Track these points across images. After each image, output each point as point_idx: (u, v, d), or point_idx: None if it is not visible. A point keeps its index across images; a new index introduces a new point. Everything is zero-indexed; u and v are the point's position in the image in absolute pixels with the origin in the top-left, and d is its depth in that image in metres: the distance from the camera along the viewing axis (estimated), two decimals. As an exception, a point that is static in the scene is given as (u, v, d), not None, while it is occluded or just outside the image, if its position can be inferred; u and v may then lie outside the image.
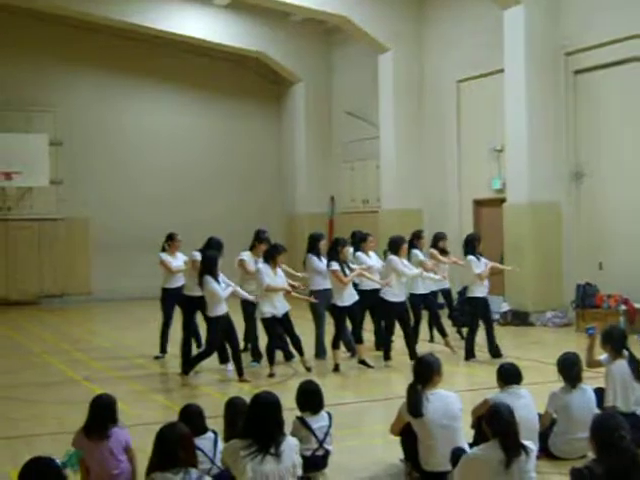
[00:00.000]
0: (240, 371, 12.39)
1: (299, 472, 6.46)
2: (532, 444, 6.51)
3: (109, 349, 16.32)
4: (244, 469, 6.14)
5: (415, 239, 14.93)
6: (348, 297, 13.17)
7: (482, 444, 6.43)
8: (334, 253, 13.24)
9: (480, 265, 13.67)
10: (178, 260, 14.81)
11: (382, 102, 22.99)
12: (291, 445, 6.43)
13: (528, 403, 7.68)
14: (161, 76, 27.07)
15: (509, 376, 7.84)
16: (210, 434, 7.00)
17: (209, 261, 12.35)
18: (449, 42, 21.65)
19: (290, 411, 7.42)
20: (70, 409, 10.70)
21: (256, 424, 6.31)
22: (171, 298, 14.82)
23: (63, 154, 25.70)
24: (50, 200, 25.64)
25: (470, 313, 14.01)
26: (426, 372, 7.48)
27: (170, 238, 15.06)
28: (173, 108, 27.53)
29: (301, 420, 7.57)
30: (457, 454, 6.86)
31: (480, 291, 13.62)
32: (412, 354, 13.26)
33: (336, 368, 13.05)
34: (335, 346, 13.20)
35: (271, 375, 12.61)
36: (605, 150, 17.73)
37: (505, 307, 18.44)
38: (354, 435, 9.23)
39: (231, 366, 12.87)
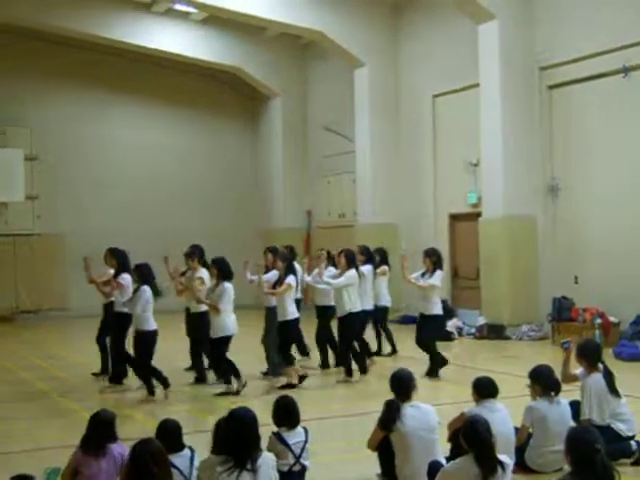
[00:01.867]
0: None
1: (276, 488, 6.44)
2: (508, 458, 6.52)
3: (85, 365, 16.20)
4: (220, 485, 6.10)
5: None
6: (282, 313, 13.02)
7: (459, 458, 6.44)
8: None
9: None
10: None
11: (358, 116, 23.05)
12: (267, 461, 6.40)
13: (504, 417, 7.67)
14: (137, 91, 27.02)
15: (485, 390, 7.84)
16: (187, 451, 6.90)
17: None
18: (425, 57, 21.76)
19: (265, 427, 7.38)
20: (45, 425, 10.62)
21: (232, 440, 6.27)
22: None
23: (39, 169, 25.61)
24: (26, 215, 25.53)
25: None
26: (405, 386, 7.60)
27: None
28: (149, 123, 27.51)
29: (277, 436, 7.53)
30: (434, 468, 6.86)
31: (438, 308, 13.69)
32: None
33: (302, 379, 13.03)
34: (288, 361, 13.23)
35: (235, 392, 12.53)
36: (580, 164, 17.84)
37: (481, 321, 18.48)
38: (331, 450, 9.20)
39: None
